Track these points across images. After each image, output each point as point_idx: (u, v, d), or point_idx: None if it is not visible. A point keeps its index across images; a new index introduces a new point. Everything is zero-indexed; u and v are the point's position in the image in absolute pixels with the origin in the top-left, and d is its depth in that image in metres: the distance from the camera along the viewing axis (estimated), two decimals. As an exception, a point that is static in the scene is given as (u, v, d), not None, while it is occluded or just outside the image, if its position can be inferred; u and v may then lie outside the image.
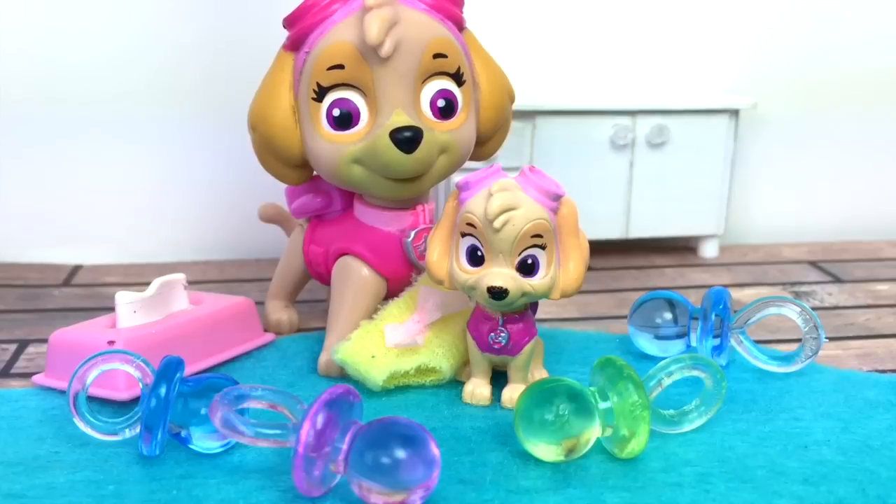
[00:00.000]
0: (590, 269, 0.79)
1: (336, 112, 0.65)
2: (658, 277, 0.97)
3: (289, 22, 0.67)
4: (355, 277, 0.69)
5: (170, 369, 0.54)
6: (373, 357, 0.64)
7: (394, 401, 0.64)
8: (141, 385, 0.56)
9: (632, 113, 0.97)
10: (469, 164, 0.73)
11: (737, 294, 0.89)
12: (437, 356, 0.66)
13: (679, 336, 0.71)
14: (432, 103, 0.66)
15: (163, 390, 0.53)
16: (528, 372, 0.64)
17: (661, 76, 1.06)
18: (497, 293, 0.58)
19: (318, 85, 0.65)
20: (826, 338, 0.69)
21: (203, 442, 0.55)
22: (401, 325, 0.66)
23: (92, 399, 0.59)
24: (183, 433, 0.55)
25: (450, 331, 0.67)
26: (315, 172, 0.71)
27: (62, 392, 0.62)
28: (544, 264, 0.59)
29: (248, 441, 0.51)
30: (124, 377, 0.62)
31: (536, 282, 0.59)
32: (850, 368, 0.71)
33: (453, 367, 0.66)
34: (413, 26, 0.64)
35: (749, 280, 0.96)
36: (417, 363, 0.65)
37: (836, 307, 0.87)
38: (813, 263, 1.02)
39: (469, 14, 0.71)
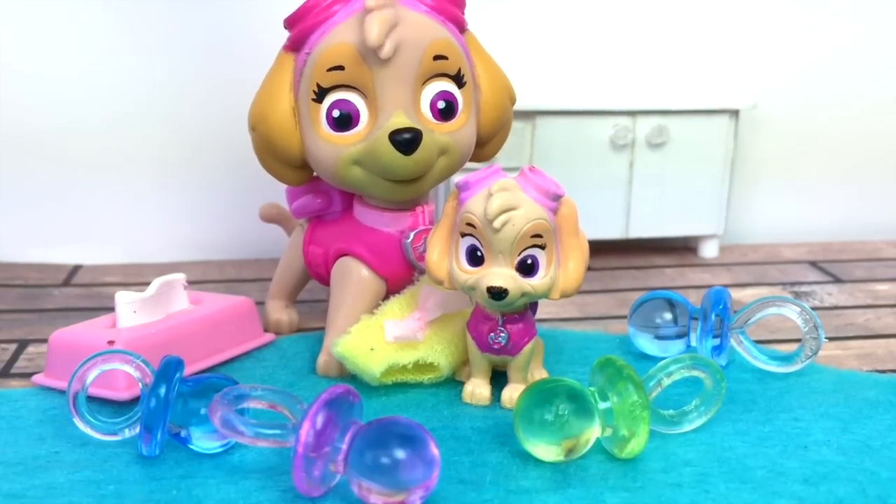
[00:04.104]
0: (590, 269, 0.79)
1: (336, 113, 0.65)
2: (658, 277, 0.97)
3: (289, 23, 0.67)
4: (355, 278, 0.69)
5: (169, 369, 0.54)
6: (371, 350, 0.64)
7: (394, 401, 0.64)
8: (141, 385, 0.56)
9: (632, 113, 0.97)
10: (469, 164, 0.73)
11: (737, 294, 0.89)
12: (436, 352, 0.66)
13: (679, 336, 0.71)
14: (432, 105, 0.66)
15: (162, 390, 0.54)
16: (528, 372, 0.64)
17: (661, 76, 1.06)
18: (497, 293, 0.58)
19: (318, 86, 0.65)
20: (826, 338, 0.69)
21: (203, 442, 0.55)
22: (401, 321, 0.66)
23: (92, 399, 0.59)
24: (183, 433, 0.55)
25: (449, 329, 0.67)
26: (315, 173, 0.71)
27: (62, 392, 0.62)
28: (544, 264, 0.59)
29: (248, 441, 0.51)
30: (124, 377, 0.62)
31: (536, 282, 0.59)
32: (850, 368, 0.71)
33: (451, 364, 0.66)
34: (414, 28, 0.64)
35: (749, 280, 0.96)
36: (416, 357, 0.65)
37: (836, 307, 0.87)
38: (813, 263, 1.02)
39: (470, 14, 0.70)
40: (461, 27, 0.69)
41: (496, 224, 0.57)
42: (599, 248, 1.02)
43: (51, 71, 0.97)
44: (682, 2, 1.05)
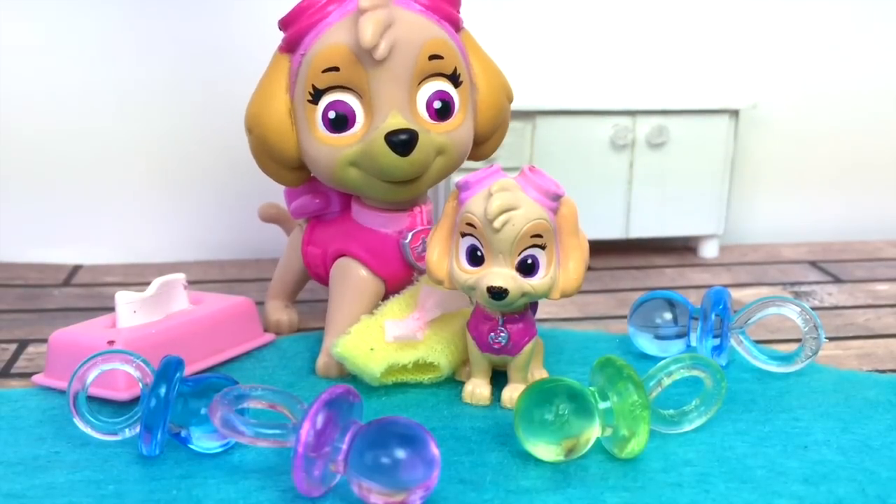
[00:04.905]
0: (590, 269, 0.79)
1: (332, 114, 0.65)
2: (658, 277, 0.97)
3: (284, 24, 0.67)
4: (353, 279, 0.69)
5: (169, 369, 0.54)
6: (371, 350, 0.64)
7: (394, 400, 0.64)
8: (141, 385, 0.56)
9: (632, 113, 0.97)
10: (467, 164, 0.73)
11: (737, 294, 0.89)
12: (436, 352, 0.66)
13: (679, 336, 0.71)
14: (428, 105, 0.66)
15: (163, 390, 0.54)
16: (528, 372, 0.64)
17: (661, 76, 1.06)
18: (497, 293, 0.58)
19: (314, 87, 0.65)
20: (826, 338, 0.69)
21: (203, 442, 0.55)
22: (401, 321, 0.66)
23: (92, 399, 0.59)
24: (183, 433, 0.55)
25: (449, 328, 0.67)
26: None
27: (62, 392, 0.62)
28: (544, 264, 0.59)
29: (248, 441, 0.51)
30: (124, 377, 0.62)
31: (536, 282, 0.59)
32: (850, 368, 0.71)
33: (451, 363, 0.66)
34: (408, 28, 0.64)
35: (749, 280, 0.96)
36: (416, 357, 0.65)
37: (836, 307, 0.87)
38: (813, 263, 1.02)
39: (469, 14, 0.70)
40: (457, 26, 0.69)
41: (496, 224, 0.57)
42: (599, 248, 1.02)
43: (51, 72, 0.97)
44: (681, 2, 1.05)
